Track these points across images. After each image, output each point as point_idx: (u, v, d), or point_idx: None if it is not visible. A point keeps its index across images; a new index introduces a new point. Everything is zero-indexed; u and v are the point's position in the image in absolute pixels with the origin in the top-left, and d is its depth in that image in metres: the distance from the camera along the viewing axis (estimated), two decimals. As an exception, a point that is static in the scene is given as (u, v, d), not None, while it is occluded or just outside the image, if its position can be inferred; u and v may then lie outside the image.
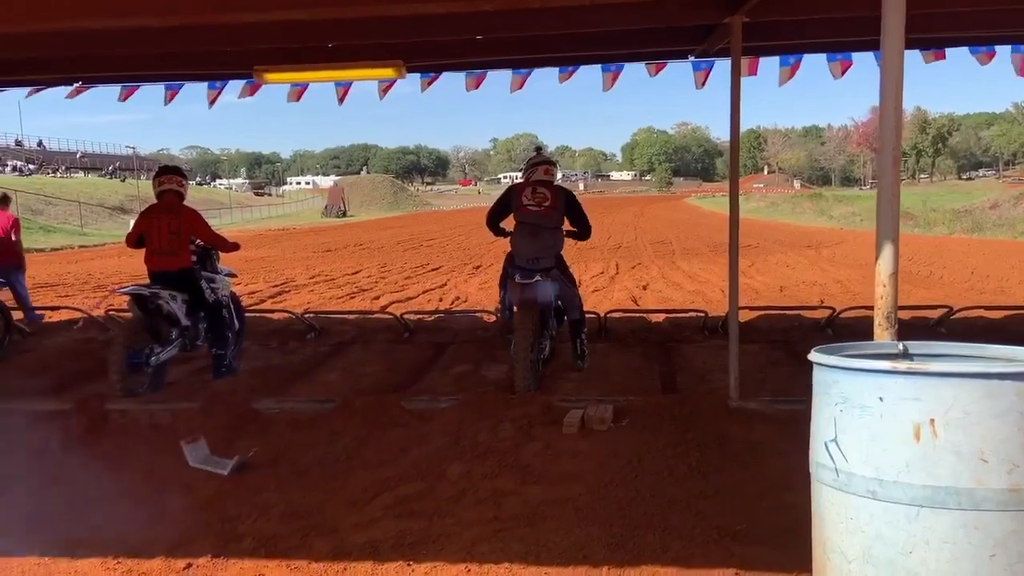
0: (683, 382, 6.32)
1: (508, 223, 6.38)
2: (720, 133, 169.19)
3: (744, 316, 8.75)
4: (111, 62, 7.25)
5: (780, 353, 7.37)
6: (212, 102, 7.50)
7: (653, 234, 32.01)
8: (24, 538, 3.82)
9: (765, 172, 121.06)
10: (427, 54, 6.93)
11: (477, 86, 7.20)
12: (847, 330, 8.13)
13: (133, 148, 66.17)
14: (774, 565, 3.40)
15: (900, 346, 2.18)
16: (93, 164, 64.88)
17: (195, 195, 49.50)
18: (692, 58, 7.43)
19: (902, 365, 1.89)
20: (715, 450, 4.73)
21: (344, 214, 61.11)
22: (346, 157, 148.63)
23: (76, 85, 7.78)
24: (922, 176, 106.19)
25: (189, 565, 3.52)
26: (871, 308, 8.92)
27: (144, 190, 50.66)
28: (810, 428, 2.12)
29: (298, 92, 7.32)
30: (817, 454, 2.05)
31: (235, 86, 7.46)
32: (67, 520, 4.08)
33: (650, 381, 6.43)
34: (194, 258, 6.60)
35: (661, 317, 9.31)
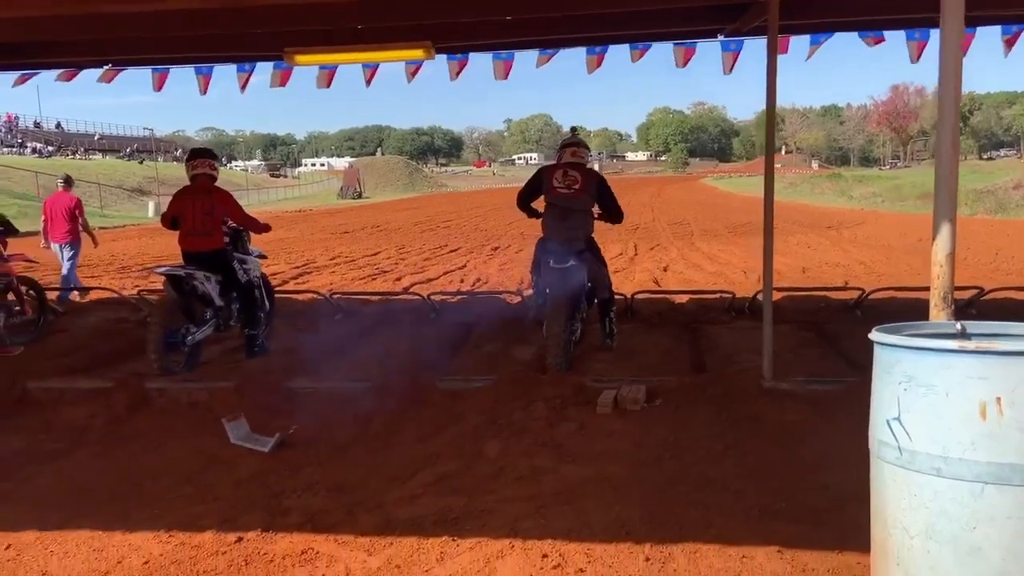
0: (712, 363, 6.33)
1: (539, 204, 6.39)
2: (736, 113, 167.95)
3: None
4: (141, 45, 7.31)
5: (809, 334, 7.37)
6: (243, 86, 7.54)
7: (670, 215, 31.89)
8: (75, 512, 3.92)
9: (783, 152, 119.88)
10: (456, 35, 6.94)
11: (506, 75, 7.19)
12: (876, 311, 8.11)
13: (151, 130, 66.50)
14: (816, 543, 3.43)
15: (958, 326, 2.19)
16: (111, 146, 65.15)
17: (212, 177, 49.49)
18: (721, 37, 7.39)
19: (970, 344, 1.91)
20: (750, 430, 4.76)
21: (360, 195, 61.21)
22: (360, 138, 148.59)
23: (106, 68, 7.83)
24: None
25: (240, 539, 3.59)
26: (900, 289, 8.87)
27: (163, 172, 50.96)
28: (870, 407, 2.14)
29: (327, 77, 7.33)
30: (879, 432, 2.07)
31: (265, 70, 7.48)
32: (115, 495, 4.17)
33: (680, 362, 6.45)
34: (226, 239, 6.66)
35: (686, 298, 9.32)
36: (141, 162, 56.83)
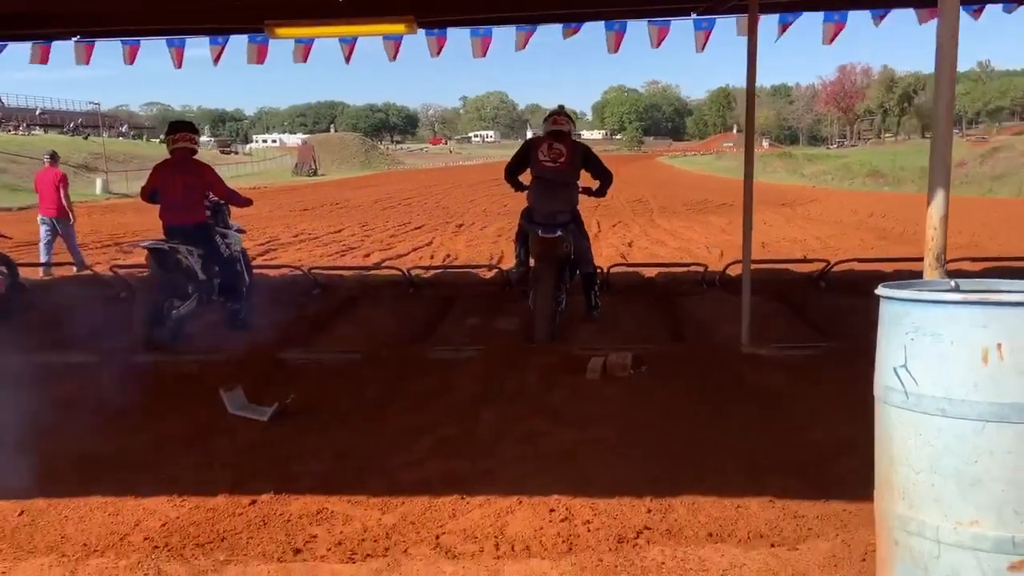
0: (691, 332, 6.57)
1: (525, 177, 6.52)
2: (690, 92, 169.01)
3: (734, 270, 9.03)
4: (114, 18, 7.20)
5: (777, 305, 7.64)
6: (216, 59, 7.46)
7: (629, 193, 32.20)
8: (82, 480, 3.96)
9: (734, 131, 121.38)
10: (437, 10, 6.98)
11: (484, 52, 7.24)
12: (839, 282, 8.44)
13: (98, 104, 64.52)
14: (804, 493, 3.67)
15: (952, 283, 2.39)
16: (53, 121, 63.13)
17: (162, 152, 48.46)
18: (695, 16, 7.55)
19: (973, 296, 2.12)
20: (733, 393, 4.99)
21: (315, 173, 60.41)
22: (312, 115, 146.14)
23: (75, 41, 7.68)
24: (887, 135, 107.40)
25: (254, 501, 3.69)
26: (862, 261, 9.21)
27: (110, 147, 49.62)
28: (876, 356, 2.33)
29: (304, 52, 7.29)
30: (886, 379, 2.27)
31: (240, 44, 7.40)
32: (120, 464, 4.22)
33: (659, 331, 6.67)
34: (208, 213, 6.66)
35: (655, 272, 9.55)
36: (86, 137, 55.18)
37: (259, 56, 7.32)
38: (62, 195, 11.11)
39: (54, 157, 11.60)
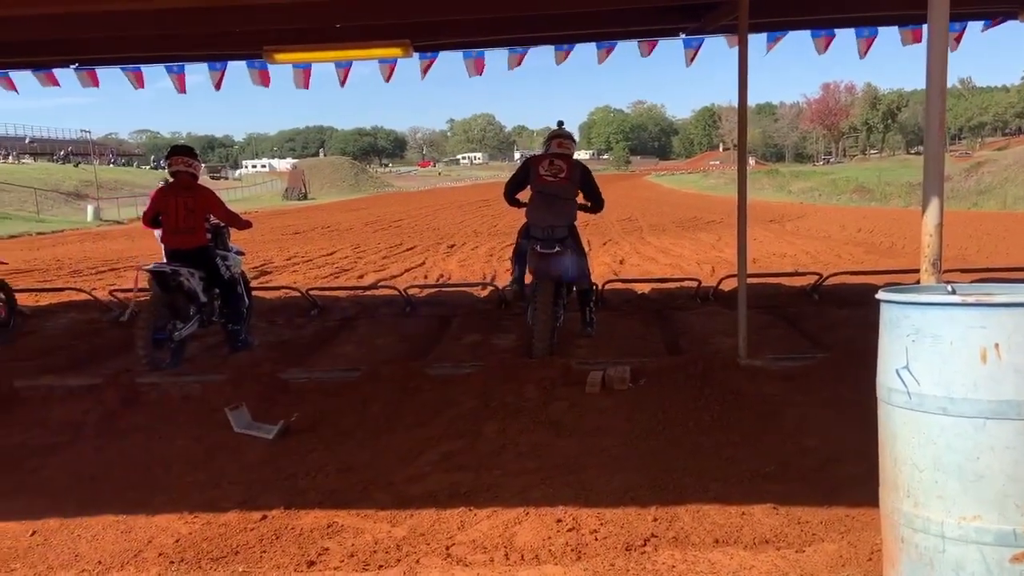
0: (687, 345, 6.64)
1: (523, 196, 6.61)
2: (675, 111, 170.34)
3: (727, 285, 9.14)
4: (114, 44, 7.29)
5: (770, 317, 7.74)
6: (218, 84, 7.56)
7: (618, 211, 32.36)
8: (92, 500, 3.99)
9: (720, 149, 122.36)
10: (432, 34, 7.10)
11: (480, 71, 7.37)
12: (831, 295, 8.56)
13: (88, 132, 64.55)
14: (806, 499, 3.73)
15: (949, 287, 2.48)
16: (43, 149, 63.15)
17: (152, 179, 48.60)
18: (683, 36, 7.71)
19: (971, 298, 2.20)
20: (732, 403, 5.06)
21: (305, 196, 60.53)
22: (301, 140, 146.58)
23: (74, 68, 7.76)
24: (872, 152, 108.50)
25: (264, 516, 3.72)
26: (854, 274, 9.33)
27: (100, 175, 49.59)
28: (877, 359, 2.41)
29: (304, 77, 7.38)
30: (888, 380, 2.35)
31: (239, 69, 7.51)
32: (128, 484, 4.25)
33: (655, 345, 6.75)
34: (209, 236, 6.72)
35: (648, 288, 9.65)
36: (76, 165, 55.21)
37: (262, 79, 7.42)
38: None
39: None
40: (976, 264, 12.04)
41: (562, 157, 6.42)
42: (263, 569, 3.16)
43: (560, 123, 6.73)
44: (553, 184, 6.33)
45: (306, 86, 7.23)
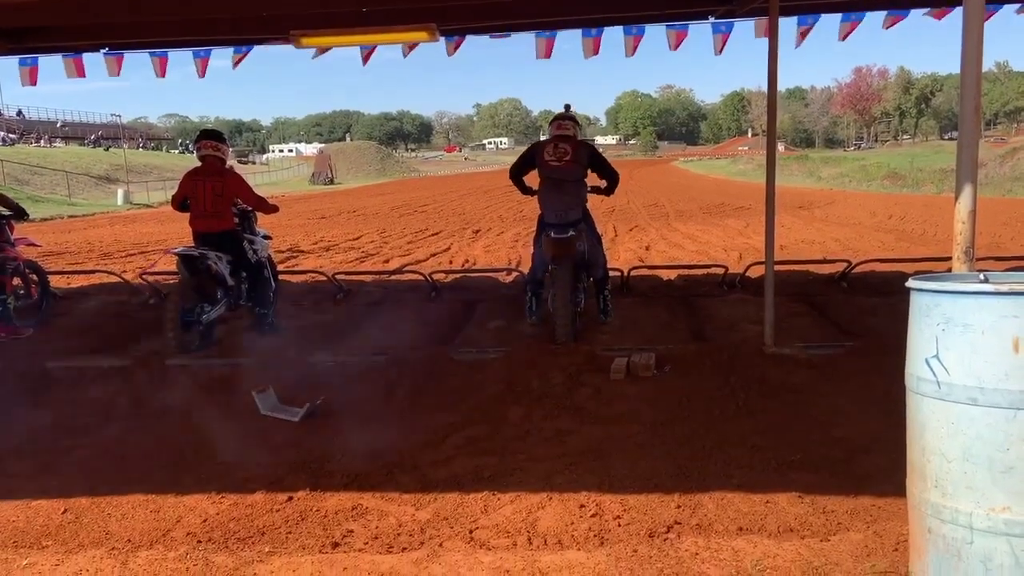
0: (713, 332, 6.59)
1: (532, 181, 6.59)
2: (704, 96, 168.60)
3: (755, 272, 9.04)
4: (140, 29, 7.34)
5: (797, 305, 7.65)
6: (236, 63, 7.60)
7: (645, 197, 32.21)
8: (122, 480, 4.07)
9: (749, 135, 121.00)
10: (457, 17, 7.07)
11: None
12: (860, 283, 8.44)
13: (119, 116, 65.31)
14: (833, 489, 3.70)
15: (981, 275, 2.43)
16: (74, 133, 63.91)
17: (181, 163, 49.12)
18: (712, 19, 7.59)
19: (1004, 287, 2.16)
20: (758, 391, 5.02)
21: (332, 181, 60.84)
22: (328, 124, 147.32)
23: (103, 53, 7.83)
24: (905, 137, 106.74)
25: (290, 498, 3.77)
26: (883, 262, 9.20)
27: (130, 159, 50.19)
28: (907, 347, 2.38)
29: (320, 48, 7.38)
30: (917, 369, 2.31)
31: (260, 52, 7.53)
32: (158, 464, 4.32)
33: (680, 332, 6.70)
34: (236, 220, 6.78)
35: (673, 275, 9.58)
36: (107, 149, 55.88)
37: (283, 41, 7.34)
38: None
39: None
40: (1010, 252, 11.82)
41: (565, 139, 6.37)
42: (288, 550, 3.20)
43: (567, 106, 6.68)
44: (559, 168, 6.30)
45: (322, 53, 7.17)
